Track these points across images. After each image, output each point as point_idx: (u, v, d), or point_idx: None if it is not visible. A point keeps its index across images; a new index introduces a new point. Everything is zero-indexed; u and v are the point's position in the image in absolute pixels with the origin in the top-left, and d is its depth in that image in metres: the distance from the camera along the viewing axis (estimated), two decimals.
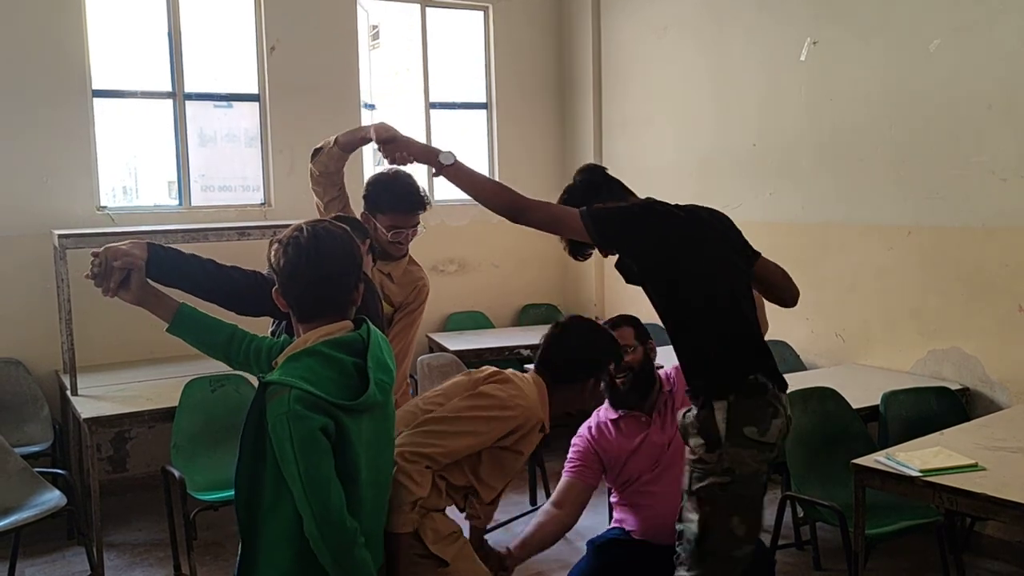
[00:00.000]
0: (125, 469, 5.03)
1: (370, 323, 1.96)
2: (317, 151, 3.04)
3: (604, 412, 3.14)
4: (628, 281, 2.47)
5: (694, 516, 2.36)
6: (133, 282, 2.02)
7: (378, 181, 3.09)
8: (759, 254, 2.55)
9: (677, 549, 2.42)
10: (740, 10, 5.05)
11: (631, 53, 5.88)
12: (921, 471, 2.67)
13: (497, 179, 2.64)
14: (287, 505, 1.80)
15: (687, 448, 2.40)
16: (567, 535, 4.22)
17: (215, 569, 3.99)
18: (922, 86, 4.13)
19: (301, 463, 1.73)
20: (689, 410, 2.41)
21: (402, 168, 2.94)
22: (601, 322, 3.06)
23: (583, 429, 3.17)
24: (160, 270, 2.07)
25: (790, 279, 2.61)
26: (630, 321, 3.11)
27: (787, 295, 2.62)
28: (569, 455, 3.15)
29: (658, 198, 2.49)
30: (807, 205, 4.63)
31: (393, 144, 2.63)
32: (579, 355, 2.59)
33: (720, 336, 2.35)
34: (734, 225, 2.54)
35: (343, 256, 1.91)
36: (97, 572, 3.69)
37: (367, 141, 2.88)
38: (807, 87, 4.64)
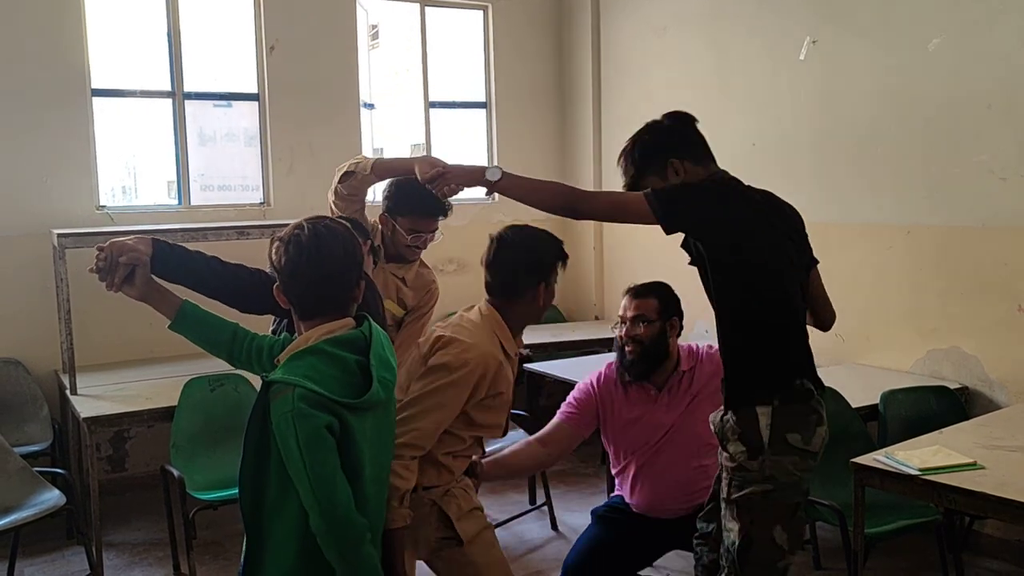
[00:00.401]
0: (124, 468, 5.03)
1: (372, 320, 1.96)
2: (348, 175, 2.94)
3: (612, 364, 3.10)
4: (690, 263, 2.38)
5: (734, 526, 2.29)
6: (137, 278, 2.02)
7: (401, 184, 3.04)
8: (816, 262, 2.48)
9: (722, 563, 2.37)
10: (740, 9, 5.05)
11: (631, 52, 5.88)
12: (920, 470, 2.67)
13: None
14: (292, 503, 1.81)
15: (724, 454, 2.32)
16: (567, 533, 4.24)
17: (214, 568, 3.99)
18: (921, 85, 4.13)
19: (307, 460, 1.73)
20: (725, 413, 2.33)
21: None
22: (629, 289, 3.03)
23: (591, 377, 3.13)
24: (165, 266, 2.06)
25: (829, 301, 2.55)
26: (657, 292, 3.01)
27: (827, 316, 2.55)
28: (568, 398, 3.12)
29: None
30: (806, 204, 4.55)
31: (441, 179, 2.55)
32: (520, 266, 2.42)
33: (775, 335, 2.28)
34: (803, 226, 2.46)
35: (344, 254, 1.90)
36: (96, 571, 3.69)
37: (409, 175, 2.75)
38: (806, 86, 4.64)
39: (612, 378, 3.07)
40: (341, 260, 1.90)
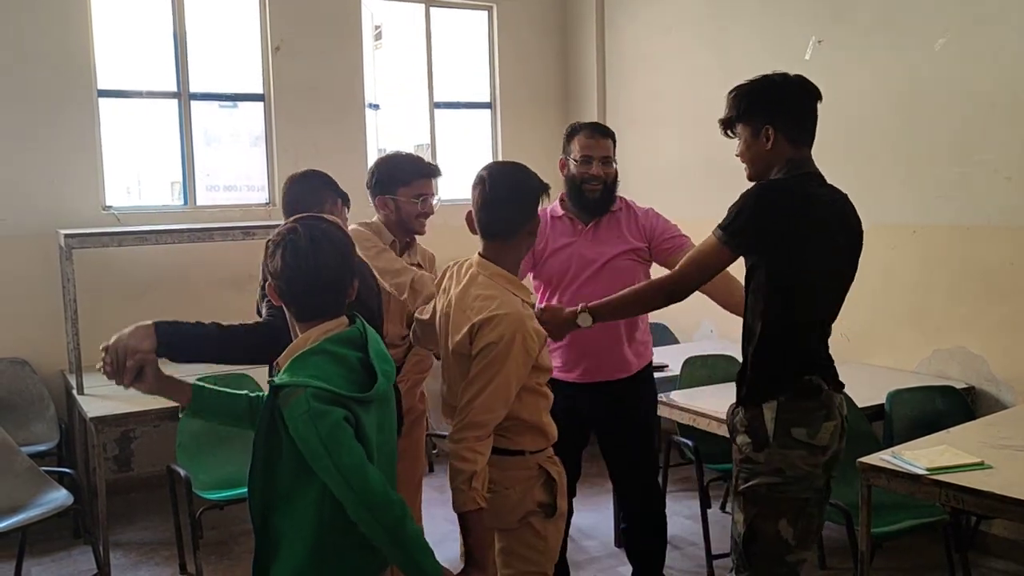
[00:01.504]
0: (131, 468, 5.04)
1: (361, 317, 1.99)
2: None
3: (551, 208, 3.18)
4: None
5: (740, 517, 2.33)
6: (147, 375, 2.05)
7: (383, 161, 3.06)
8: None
9: (732, 556, 2.39)
10: (744, 9, 5.05)
11: (636, 53, 5.88)
12: (927, 469, 2.67)
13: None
14: (302, 504, 1.82)
15: (734, 446, 2.37)
16: (572, 534, 4.24)
17: (220, 568, 4.00)
18: (927, 85, 4.13)
19: (333, 455, 1.74)
20: (736, 407, 2.38)
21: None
22: (581, 127, 3.12)
23: None
24: (170, 352, 2.10)
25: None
26: (612, 134, 3.15)
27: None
28: None
29: (815, 167, 2.39)
30: None
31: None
32: (515, 202, 2.34)
33: (788, 335, 2.30)
34: (862, 235, 2.44)
35: (340, 260, 1.91)
36: (103, 571, 3.69)
37: None
38: None
39: (546, 213, 3.15)
40: (337, 266, 1.90)
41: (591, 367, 3.13)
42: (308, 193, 2.73)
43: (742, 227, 2.26)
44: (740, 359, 2.43)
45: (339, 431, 1.76)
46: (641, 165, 5.82)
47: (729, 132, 2.47)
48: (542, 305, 2.74)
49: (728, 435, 2.43)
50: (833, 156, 4.57)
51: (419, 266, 3.12)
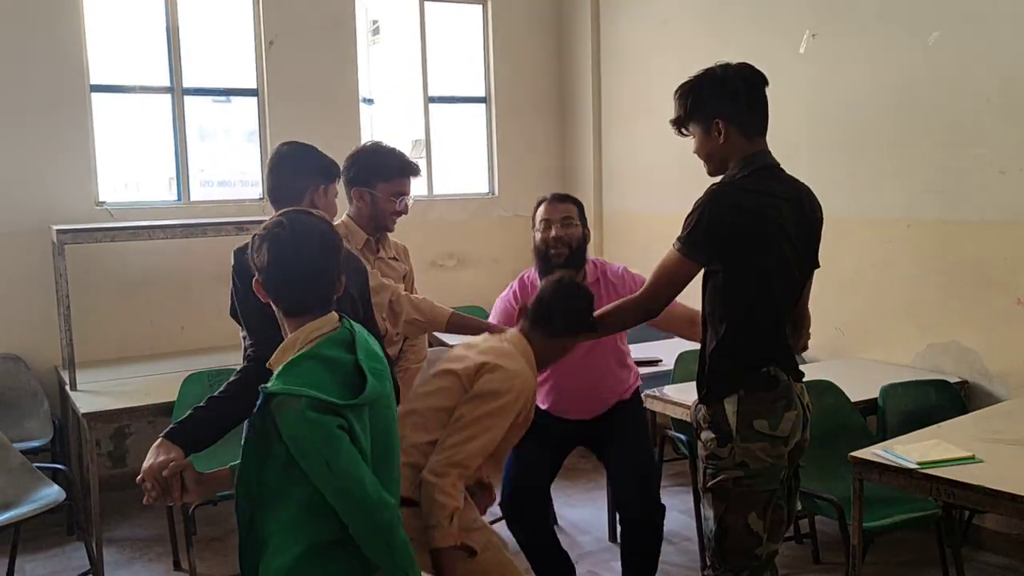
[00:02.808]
0: (124, 464, 5.04)
1: (348, 316, 1.98)
2: (414, 323, 2.88)
3: (530, 274, 3.25)
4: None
5: (710, 513, 2.35)
6: (188, 482, 2.07)
7: (365, 153, 2.99)
8: (817, 266, 2.49)
9: (706, 552, 2.43)
10: (740, 3, 5.04)
11: (631, 46, 5.87)
12: (919, 463, 2.67)
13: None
14: (292, 501, 1.82)
15: (699, 443, 2.39)
16: (567, 528, 4.24)
17: (214, 564, 4.00)
18: (921, 79, 4.12)
19: (332, 464, 1.74)
20: (698, 404, 2.40)
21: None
22: (544, 199, 3.22)
23: (507, 292, 3.33)
24: (194, 447, 2.15)
25: (808, 315, 2.56)
26: (573, 199, 3.23)
27: (800, 331, 2.54)
28: (491, 319, 3.28)
29: (771, 157, 2.40)
30: None
31: None
32: (571, 314, 2.57)
33: (744, 330, 2.31)
34: (820, 227, 2.46)
35: (326, 251, 1.91)
36: (96, 567, 3.69)
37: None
38: (806, 80, 4.63)
39: (527, 282, 3.23)
40: (321, 257, 1.90)
41: (575, 409, 3.28)
42: (289, 181, 2.57)
43: (699, 238, 2.28)
44: None
45: (335, 438, 1.76)
46: (636, 158, 5.83)
47: (683, 131, 2.48)
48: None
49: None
50: (827, 150, 4.59)
51: (395, 259, 3.11)
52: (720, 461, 2.31)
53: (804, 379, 2.46)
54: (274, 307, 1.95)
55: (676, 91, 2.48)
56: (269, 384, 1.81)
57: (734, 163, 2.37)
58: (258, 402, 1.80)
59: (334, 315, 1.93)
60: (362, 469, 1.78)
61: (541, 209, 3.23)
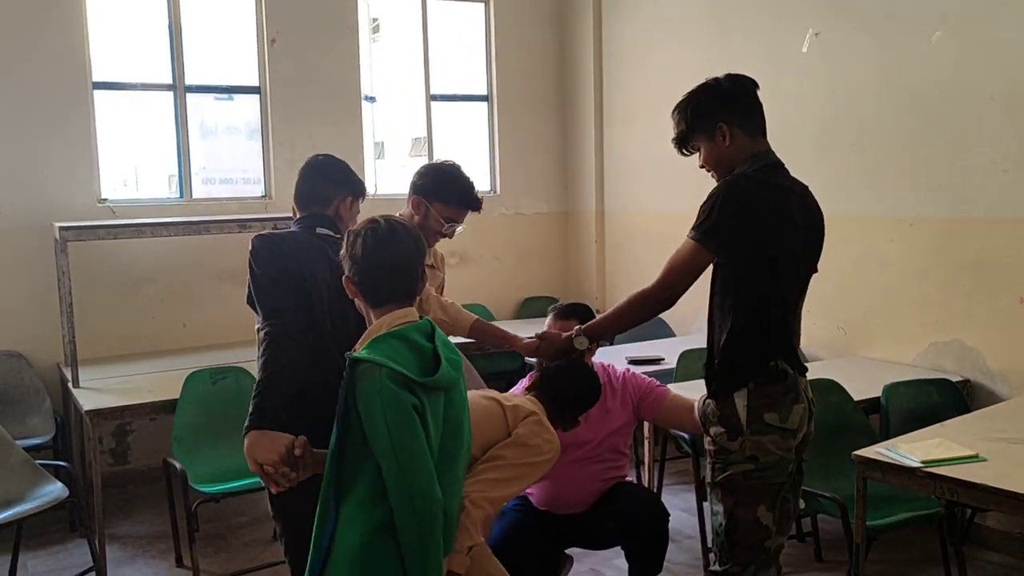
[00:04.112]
0: (127, 461, 5.04)
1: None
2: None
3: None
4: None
5: (719, 508, 2.36)
6: (306, 455, 2.13)
7: (442, 172, 3.02)
8: (815, 271, 2.48)
9: (712, 547, 2.42)
10: (741, 1, 5.04)
11: (632, 44, 5.87)
12: (922, 462, 2.67)
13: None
14: (366, 482, 1.86)
15: (706, 438, 2.40)
16: None
17: (216, 561, 4.00)
18: (924, 77, 4.12)
19: (394, 436, 1.80)
20: (707, 399, 2.41)
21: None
22: (553, 310, 3.17)
23: (518, 387, 3.21)
24: (281, 425, 2.18)
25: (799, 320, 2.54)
26: (578, 312, 3.08)
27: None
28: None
29: (775, 155, 2.42)
30: None
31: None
32: (578, 399, 2.66)
33: (752, 322, 2.32)
34: (823, 233, 2.47)
35: (414, 247, 2.05)
36: (99, 564, 3.69)
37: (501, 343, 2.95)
38: (808, 78, 4.63)
39: None
40: (412, 252, 2.04)
41: (564, 505, 3.16)
42: (321, 187, 2.69)
43: (714, 225, 2.29)
44: None
45: (407, 419, 1.82)
46: (637, 156, 5.82)
47: (685, 150, 2.51)
48: (539, 332, 2.85)
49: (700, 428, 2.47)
50: (829, 148, 4.59)
51: (431, 266, 3.13)
52: (730, 455, 2.32)
53: (808, 378, 2.47)
54: (361, 301, 2.06)
55: (674, 110, 2.50)
56: (356, 352, 1.89)
57: (741, 163, 2.39)
58: (345, 372, 1.87)
59: (413, 309, 2.04)
60: (422, 453, 1.82)
61: (548, 319, 3.16)
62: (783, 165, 2.45)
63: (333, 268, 2.28)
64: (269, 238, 2.48)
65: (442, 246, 3.26)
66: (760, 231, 2.29)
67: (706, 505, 3.83)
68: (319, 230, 2.55)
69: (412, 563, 1.82)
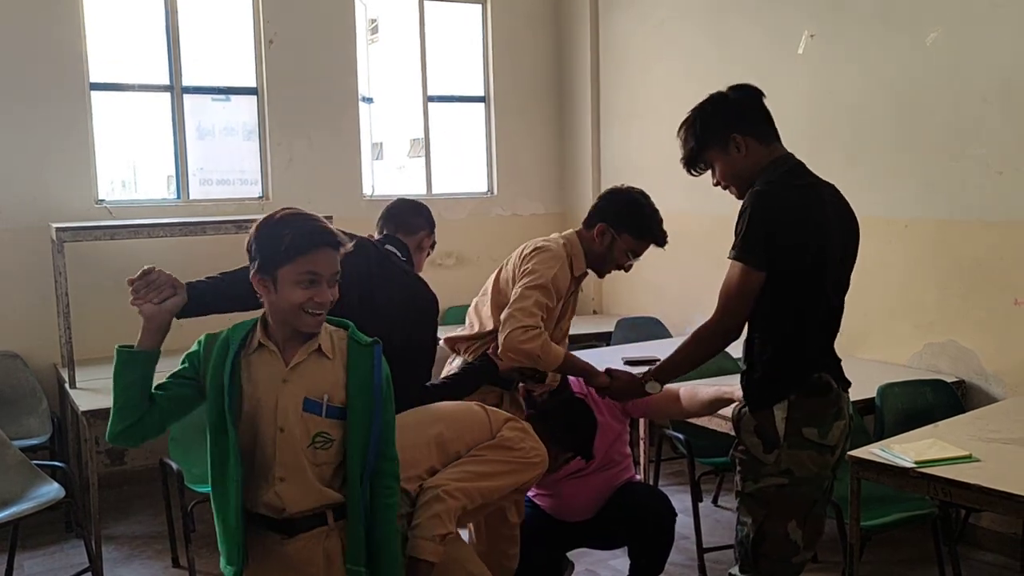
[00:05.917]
0: (123, 462, 5.04)
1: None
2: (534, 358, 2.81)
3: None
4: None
5: (748, 519, 2.29)
6: (170, 303, 2.21)
7: (636, 203, 2.95)
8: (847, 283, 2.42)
9: (735, 556, 2.38)
10: (738, 2, 5.05)
11: (629, 46, 5.88)
12: (916, 463, 2.67)
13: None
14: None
15: (740, 447, 2.33)
16: None
17: (212, 561, 3.97)
18: (919, 79, 4.13)
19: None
20: (744, 406, 2.33)
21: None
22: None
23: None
24: (201, 303, 2.30)
25: None
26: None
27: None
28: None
29: (796, 158, 2.37)
30: None
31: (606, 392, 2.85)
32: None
33: (793, 333, 2.25)
34: (855, 226, 2.41)
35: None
36: (95, 564, 3.69)
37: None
38: (804, 80, 4.64)
39: None
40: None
41: (574, 513, 3.21)
42: (414, 220, 2.97)
43: (754, 240, 2.20)
44: (731, 355, 2.43)
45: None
46: (634, 158, 5.83)
47: (694, 170, 2.43)
48: (609, 367, 2.86)
49: (734, 435, 2.39)
50: (825, 150, 4.59)
51: (573, 293, 3.09)
52: (764, 467, 2.25)
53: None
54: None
55: (679, 129, 2.43)
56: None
57: (760, 172, 2.31)
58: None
59: None
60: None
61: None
62: (805, 165, 2.37)
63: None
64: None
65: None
66: (800, 232, 2.21)
67: (702, 506, 3.87)
68: (387, 246, 2.77)
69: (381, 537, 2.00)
